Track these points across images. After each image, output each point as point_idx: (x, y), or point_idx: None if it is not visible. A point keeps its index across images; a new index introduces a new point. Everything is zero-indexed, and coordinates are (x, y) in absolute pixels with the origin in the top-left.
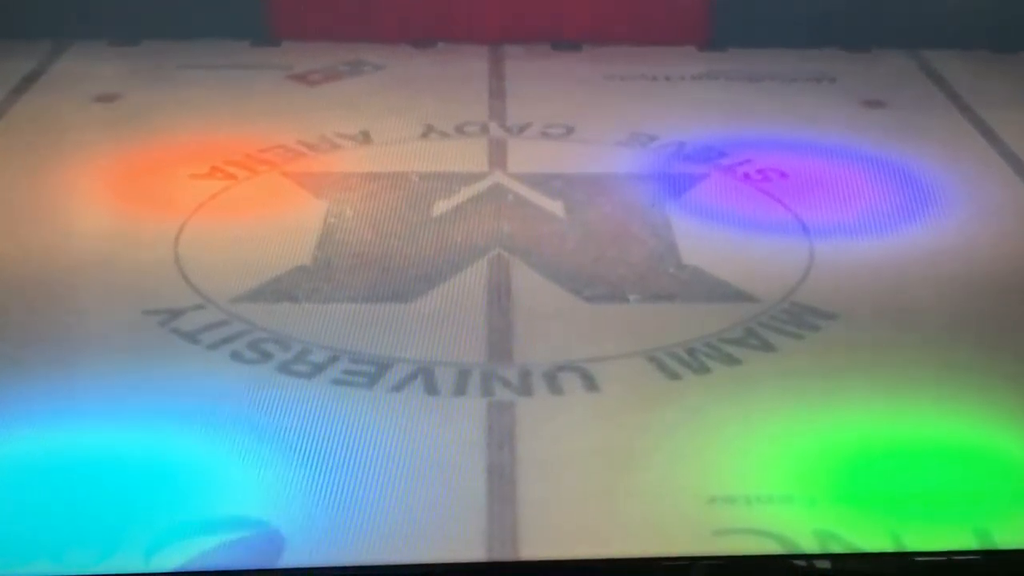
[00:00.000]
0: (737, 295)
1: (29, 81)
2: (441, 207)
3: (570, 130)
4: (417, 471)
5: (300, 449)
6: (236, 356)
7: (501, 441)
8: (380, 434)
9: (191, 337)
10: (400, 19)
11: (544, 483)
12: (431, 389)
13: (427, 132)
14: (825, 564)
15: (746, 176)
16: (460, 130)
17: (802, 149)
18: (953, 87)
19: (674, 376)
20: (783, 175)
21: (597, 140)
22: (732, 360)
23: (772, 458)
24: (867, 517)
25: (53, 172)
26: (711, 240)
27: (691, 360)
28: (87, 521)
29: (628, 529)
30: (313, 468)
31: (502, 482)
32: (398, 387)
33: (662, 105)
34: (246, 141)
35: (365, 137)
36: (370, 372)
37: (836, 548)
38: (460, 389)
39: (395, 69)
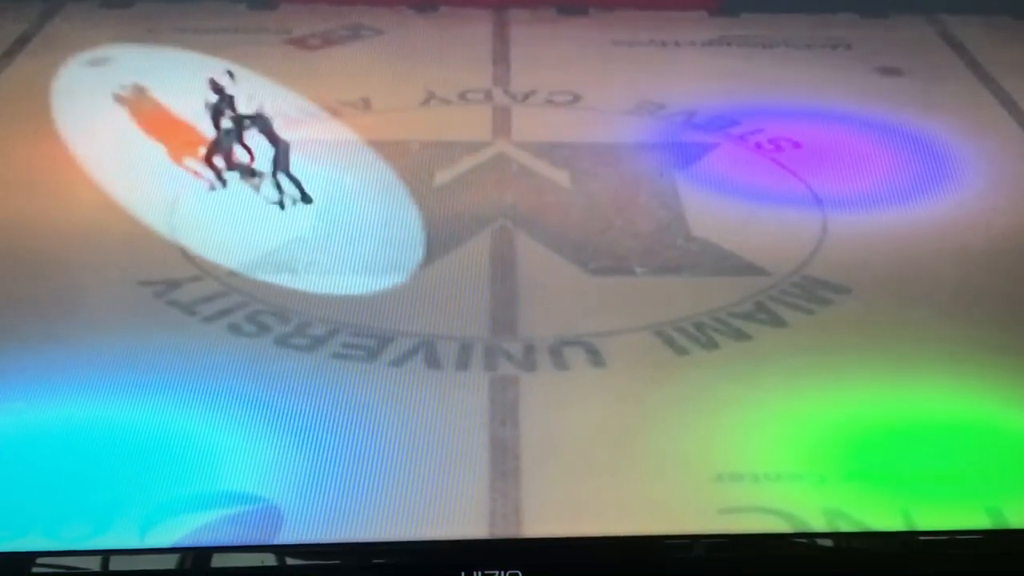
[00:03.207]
0: (747, 268)
1: (19, 44)
2: (443, 176)
3: (576, 98)
4: (418, 447)
5: (298, 424)
6: (234, 329)
7: (504, 417)
8: (380, 409)
9: (188, 309)
10: None
11: (548, 460)
12: (433, 363)
13: (428, 99)
14: (827, 543)
15: (758, 146)
16: (463, 97)
17: (816, 118)
18: (973, 54)
19: (682, 351)
20: (796, 145)
21: (604, 108)
22: (741, 335)
23: (781, 435)
24: (878, 495)
25: (45, 139)
26: (721, 211)
27: (699, 335)
28: (82, 496)
29: (633, 506)
30: (312, 443)
31: (505, 459)
32: (399, 361)
33: (672, 72)
34: (243, 108)
35: (365, 104)
36: (370, 346)
37: (845, 527)
38: (463, 363)
39: (395, 34)
